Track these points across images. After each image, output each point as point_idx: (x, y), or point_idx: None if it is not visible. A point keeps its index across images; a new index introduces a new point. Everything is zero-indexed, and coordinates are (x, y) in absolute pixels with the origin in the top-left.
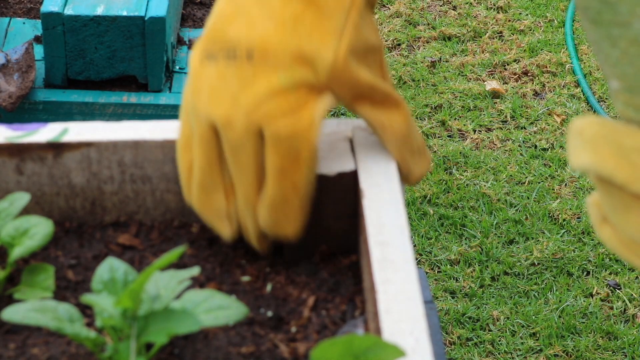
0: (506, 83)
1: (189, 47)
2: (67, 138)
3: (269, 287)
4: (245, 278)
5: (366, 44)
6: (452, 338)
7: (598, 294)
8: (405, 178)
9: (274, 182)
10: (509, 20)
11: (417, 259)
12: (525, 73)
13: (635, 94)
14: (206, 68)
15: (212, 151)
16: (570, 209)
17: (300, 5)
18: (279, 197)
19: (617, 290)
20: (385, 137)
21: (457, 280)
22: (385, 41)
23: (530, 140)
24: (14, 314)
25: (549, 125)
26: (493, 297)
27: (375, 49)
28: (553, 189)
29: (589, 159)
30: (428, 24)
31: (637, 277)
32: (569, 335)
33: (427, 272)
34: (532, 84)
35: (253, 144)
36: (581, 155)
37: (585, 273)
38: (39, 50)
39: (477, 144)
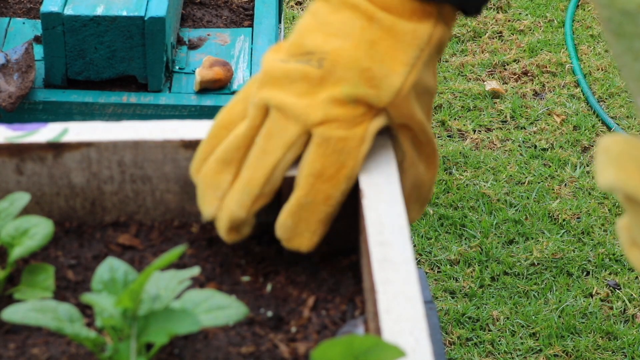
0: (506, 83)
1: (189, 47)
2: (67, 138)
3: (269, 287)
4: (245, 278)
5: (425, 85)
6: (452, 338)
7: (598, 294)
8: None
9: (307, 185)
10: (509, 20)
11: (417, 259)
12: (525, 73)
13: None
14: (278, 64)
15: (252, 132)
16: (570, 209)
17: (379, 33)
18: (307, 202)
19: (617, 290)
20: (407, 172)
21: (457, 280)
22: None
23: (530, 140)
24: (14, 314)
25: (548, 125)
26: (493, 297)
27: (430, 93)
28: (553, 189)
29: (614, 176)
30: None
31: (637, 277)
32: (568, 335)
33: (427, 272)
34: (532, 84)
35: (291, 137)
36: (607, 173)
37: (585, 273)
38: (38, 50)
39: (477, 144)
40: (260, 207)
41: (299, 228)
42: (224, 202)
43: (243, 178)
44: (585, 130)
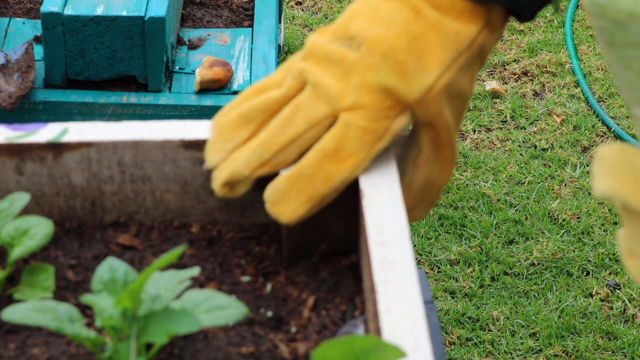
0: (506, 83)
1: (189, 47)
2: (67, 138)
3: (269, 287)
4: (245, 278)
5: (460, 89)
6: (452, 338)
7: (598, 294)
8: None
9: (314, 159)
10: (509, 20)
11: (417, 259)
12: (525, 73)
13: None
14: (322, 43)
15: (283, 100)
16: (570, 209)
17: (423, 28)
18: (307, 175)
19: (617, 290)
20: (420, 169)
21: (457, 280)
22: None
23: (530, 140)
24: (14, 314)
25: (548, 125)
26: (493, 297)
27: (464, 99)
28: (553, 189)
29: (609, 185)
30: None
31: None
32: (568, 336)
33: (427, 272)
34: (532, 84)
35: (318, 116)
36: (602, 182)
37: (585, 273)
38: (39, 50)
39: (476, 144)
40: (264, 173)
41: (289, 194)
42: (232, 155)
43: (259, 139)
44: (585, 130)
